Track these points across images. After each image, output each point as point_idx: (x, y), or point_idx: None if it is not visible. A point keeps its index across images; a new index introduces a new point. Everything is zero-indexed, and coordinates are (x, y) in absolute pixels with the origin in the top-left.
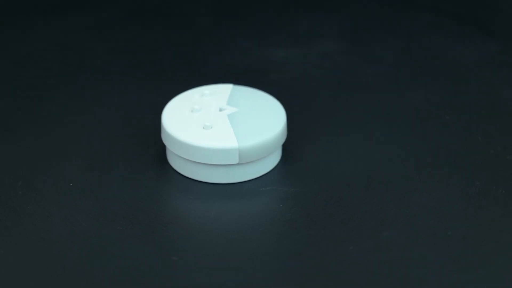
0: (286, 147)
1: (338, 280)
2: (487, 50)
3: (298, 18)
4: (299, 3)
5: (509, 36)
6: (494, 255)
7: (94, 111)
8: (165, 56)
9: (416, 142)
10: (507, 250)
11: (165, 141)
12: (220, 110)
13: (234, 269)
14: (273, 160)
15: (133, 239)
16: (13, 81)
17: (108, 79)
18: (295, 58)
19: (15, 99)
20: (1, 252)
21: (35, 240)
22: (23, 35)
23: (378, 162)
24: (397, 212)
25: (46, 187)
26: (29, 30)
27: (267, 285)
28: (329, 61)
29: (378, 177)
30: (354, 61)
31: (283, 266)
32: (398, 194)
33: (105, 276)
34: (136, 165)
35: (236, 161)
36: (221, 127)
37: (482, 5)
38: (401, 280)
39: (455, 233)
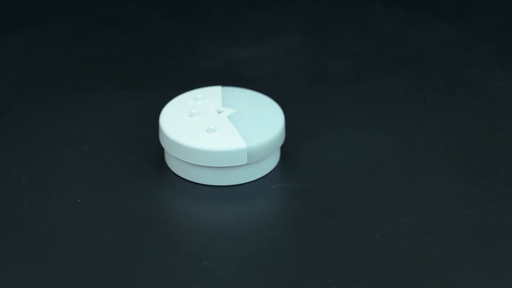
0: (282, 145)
1: (377, 269)
2: (445, 33)
3: (254, 16)
4: (251, 1)
5: (463, 18)
6: None
7: (79, 124)
8: (133, 64)
9: (407, 127)
10: None
11: (168, 147)
12: (219, 112)
13: (270, 267)
14: (274, 158)
15: (159, 248)
16: None
17: (85, 91)
18: (262, 55)
19: None
20: (29, 276)
21: (60, 260)
22: None
23: (376, 150)
24: (410, 196)
25: (54, 205)
26: None
27: (307, 281)
28: (296, 56)
29: (381, 165)
30: (321, 54)
31: (318, 261)
32: (406, 179)
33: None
34: (137, 173)
35: (245, 162)
36: (225, 129)
37: None
38: (437, 263)
39: (472, 211)
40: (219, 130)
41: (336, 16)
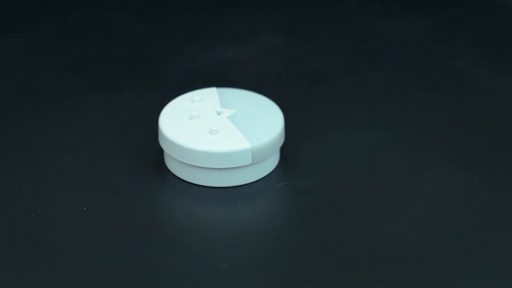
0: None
1: (395, 261)
2: (422, 26)
3: (235, 16)
4: (226, 1)
5: (437, 10)
6: None
7: (74, 130)
8: (118, 69)
9: (400, 121)
10: None
11: (172, 151)
12: (218, 113)
13: (287, 265)
14: (275, 158)
15: (173, 252)
16: None
17: (71, 98)
18: (245, 56)
19: None
20: (43, 285)
21: (73, 268)
22: None
23: (373, 146)
24: (415, 189)
25: (60, 213)
26: None
27: (326, 277)
28: (280, 55)
29: (381, 160)
30: (304, 52)
31: (334, 256)
32: (408, 173)
33: None
34: (139, 177)
35: (250, 162)
36: (227, 130)
37: None
38: (452, 252)
39: (478, 200)
40: (222, 131)
41: (314, 14)
